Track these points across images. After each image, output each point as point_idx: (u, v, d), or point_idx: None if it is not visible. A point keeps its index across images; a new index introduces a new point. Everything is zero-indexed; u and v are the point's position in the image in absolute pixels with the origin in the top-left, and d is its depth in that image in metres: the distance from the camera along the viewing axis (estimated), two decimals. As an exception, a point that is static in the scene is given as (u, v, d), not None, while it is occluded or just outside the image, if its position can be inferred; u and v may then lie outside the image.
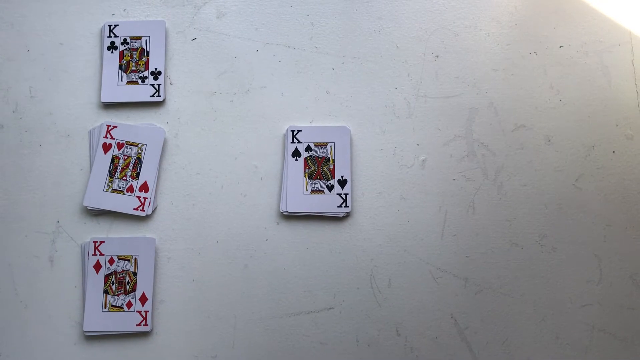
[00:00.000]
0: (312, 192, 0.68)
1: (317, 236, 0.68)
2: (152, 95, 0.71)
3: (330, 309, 0.66)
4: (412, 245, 0.67)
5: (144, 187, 0.68)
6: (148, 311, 0.65)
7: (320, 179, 0.69)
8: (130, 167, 0.69)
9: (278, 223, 0.68)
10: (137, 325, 0.65)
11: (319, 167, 0.69)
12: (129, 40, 0.72)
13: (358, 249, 0.67)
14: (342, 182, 0.68)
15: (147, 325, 0.65)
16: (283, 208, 0.68)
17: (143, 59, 0.72)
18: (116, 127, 0.70)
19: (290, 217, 0.68)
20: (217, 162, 0.70)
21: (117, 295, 0.66)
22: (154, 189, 0.69)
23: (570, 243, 0.67)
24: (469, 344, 0.65)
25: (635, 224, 0.68)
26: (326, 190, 0.68)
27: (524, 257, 0.67)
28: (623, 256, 0.67)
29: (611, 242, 0.67)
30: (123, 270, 0.66)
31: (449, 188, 0.69)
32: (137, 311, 0.65)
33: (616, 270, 0.67)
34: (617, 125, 0.70)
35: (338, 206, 0.68)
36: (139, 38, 0.72)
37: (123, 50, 0.72)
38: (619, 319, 0.66)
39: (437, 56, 0.72)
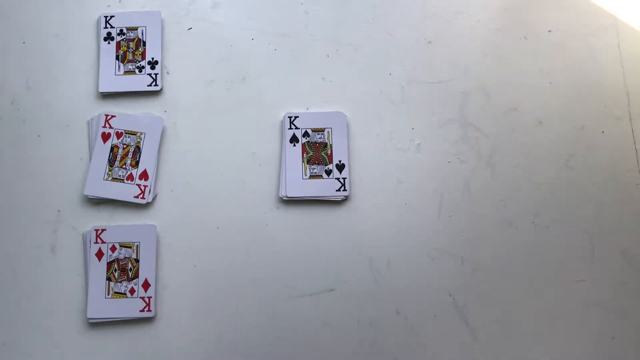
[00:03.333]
0: (311, 176, 0.69)
1: (316, 220, 0.69)
2: (150, 85, 0.72)
3: (331, 290, 0.67)
4: (410, 226, 0.69)
5: (144, 175, 0.69)
6: (151, 297, 0.66)
7: (318, 164, 0.70)
8: (130, 155, 0.70)
9: (278, 208, 0.69)
10: (140, 311, 0.66)
11: (317, 152, 0.70)
12: (125, 30, 0.73)
13: (357, 232, 0.69)
14: (340, 167, 0.70)
15: (151, 310, 0.66)
16: (282, 193, 0.69)
17: (140, 49, 0.72)
18: (115, 116, 0.71)
19: (290, 201, 0.69)
20: (215, 150, 0.71)
21: (120, 282, 0.66)
22: (154, 176, 0.69)
23: (562, 221, 0.69)
24: (467, 320, 0.67)
25: (624, 201, 0.70)
26: (324, 175, 0.69)
27: (519, 236, 0.69)
28: (613, 233, 0.69)
29: (602, 219, 0.69)
30: (125, 258, 0.67)
31: (444, 170, 0.70)
32: (140, 297, 0.66)
33: (607, 247, 0.68)
34: (605, 106, 0.72)
35: (337, 190, 0.69)
36: (135, 29, 0.73)
37: (120, 41, 0.73)
38: (612, 293, 0.67)
39: (430, 42, 0.74)
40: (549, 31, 0.74)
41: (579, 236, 0.69)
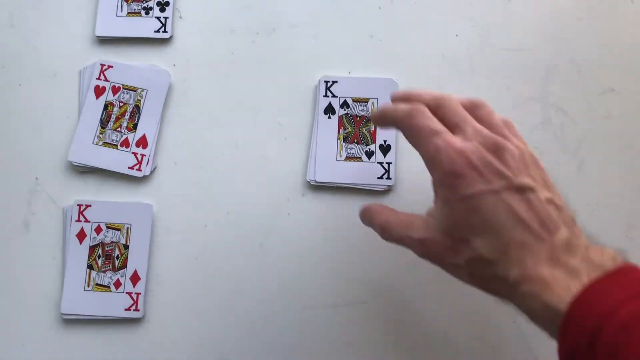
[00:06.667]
0: (347, 158, 0.56)
1: (350, 213, 0.55)
2: (157, 31, 0.59)
3: (362, 302, 0.54)
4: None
5: (142, 142, 0.56)
6: (140, 293, 0.54)
7: (357, 143, 0.56)
8: (127, 116, 0.57)
9: (303, 195, 0.56)
10: (126, 309, 0.54)
11: (356, 129, 0.56)
12: (131, -38, 0.60)
13: (401, 232, 0.55)
14: (385, 149, 0.56)
15: (139, 310, 0.54)
16: (310, 177, 0.56)
17: (148, -14, 0.59)
18: (112, 67, 0.58)
19: (319, 187, 0.56)
20: (232, 116, 0.57)
21: (104, 271, 0.54)
22: (154, 144, 0.57)
23: (665, 238, 0.55)
24: (534, 352, 0.53)
25: None
26: (364, 157, 0.56)
27: (607, 252, 0.54)
28: None
29: None
30: (112, 242, 0.55)
31: (517, 162, 0.56)
32: (126, 292, 0.54)
33: None
34: None
35: (378, 177, 0.55)
36: (144, -40, 0.60)
37: (124, -26, 0.59)
38: None
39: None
40: (666, -7, 0.58)
41: (687, 259, 0.54)
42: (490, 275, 0.38)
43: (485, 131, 0.41)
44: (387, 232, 0.45)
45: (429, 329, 0.54)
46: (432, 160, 0.41)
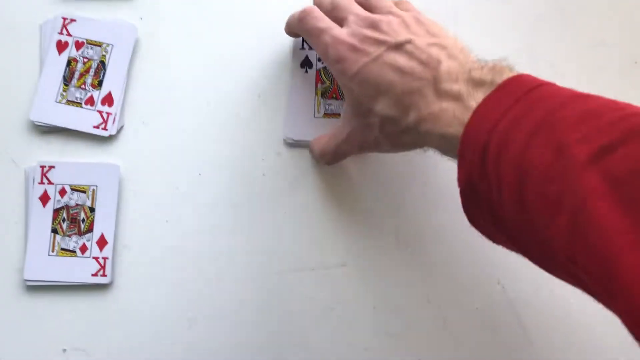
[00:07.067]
0: (325, 115, 0.53)
1: (329, 173, 0.53)
2: (123, -18, 0.55)
3: (342, 265, 0.51)
4: (453, 187, 0.52)
5: (108, 100, 0.53)
6: (107, 258, 0.51)
7: (336, 99, 0.53)
8: (91, 73, 0.54)
9: (279, 154, 0.53)
10: (92, 275, 0.51)
11: (335, 83, 0.53)
12: None
13: (382, 190, 0.52)
14: (365, 104, 0.53)
15: (106, 275, 0.51)
16: (286, 134, 0.53)
17: None
18: (75, 21, 0.54)
19: (296, 146, 0.53)
20: (203, 72, 0.54)
21: (69, 235, 0.51)
22: (121, 102, 0.53)
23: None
24: (518, 315, 0.51)
25: None
26: (343, 114, 0.53)
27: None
28: None
29: None
30: (77, 205, 0.52)
31: (503, 118, 0.53)
32: (93, 257, 0.51)
33: None
34: None
35: (358, 134, 0.53)
36: None
37: None
38: None
39: (496, -55, 0.56)
40: (660, -62, 0.56)
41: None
42: (399, 131, 0.41)
43: (366, 14, 0.43)
44: (324, 153, 0.49)
45: (410, 291, 0.51)
46: (324, 58, 0.44)
